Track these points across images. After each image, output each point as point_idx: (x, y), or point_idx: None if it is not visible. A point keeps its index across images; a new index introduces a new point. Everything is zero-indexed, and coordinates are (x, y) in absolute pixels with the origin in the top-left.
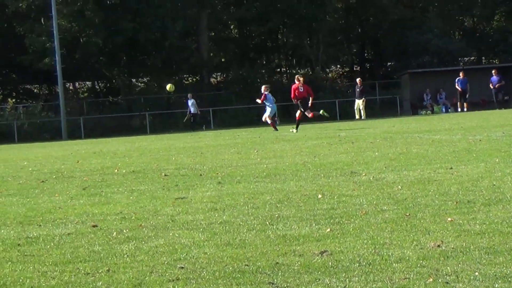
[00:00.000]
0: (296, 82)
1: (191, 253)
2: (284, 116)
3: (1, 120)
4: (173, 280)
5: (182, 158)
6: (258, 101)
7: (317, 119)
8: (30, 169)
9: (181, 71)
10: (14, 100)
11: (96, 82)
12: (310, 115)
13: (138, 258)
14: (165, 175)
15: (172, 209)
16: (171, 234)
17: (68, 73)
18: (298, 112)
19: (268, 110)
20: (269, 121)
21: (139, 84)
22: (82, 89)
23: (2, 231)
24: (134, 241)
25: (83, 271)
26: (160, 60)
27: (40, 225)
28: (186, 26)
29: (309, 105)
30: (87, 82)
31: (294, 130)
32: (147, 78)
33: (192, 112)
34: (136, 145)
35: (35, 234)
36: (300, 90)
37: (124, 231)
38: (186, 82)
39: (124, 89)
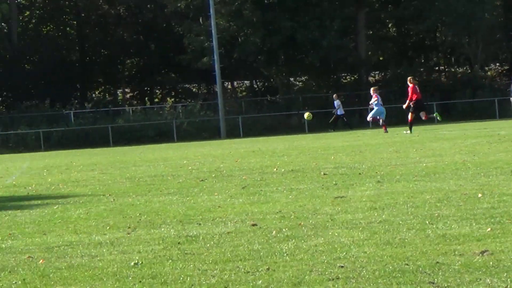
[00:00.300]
0: (410, 84)
1: (350, 252)
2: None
3: (161, 119)
4: (332, 279)
5: (341, 157)
6: (371, 102)
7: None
8: (190, 168)
9: (339, 70)
10: (173, 99)
11: (254, 81)
12: (424, 117)
13: (297, 257)
14: (324, 174)
15: (332, 208)
16: (330, 233)
17: (227, 72)
18: (410, 114)
19: (375, 110)
20: (373, 120)
21: (297, 83)
22: (241, 88)
23: (163, 229)
24: (293, 240)
25: (243, 270)
26: (318, 59)
27: (199, 224)
28: (344, 25)
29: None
30: (245, 81)
31: (408, 132)
32: (305, 77)
33: (339, 113)
34: (294, 143)
35: (195, 233)
36: (417, 90)
37: (284, 230)
38: (344, 81)
39: (282, 88)
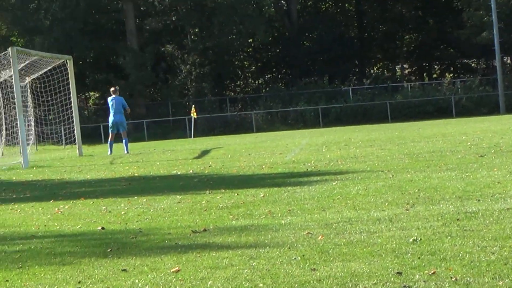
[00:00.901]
0: None
1: None
2: None
3: (439, 95)
4: None
5: None
6: None
7: None
8: (469, 143)
9: None
10: (451, 75)
11: None
12: None
13: None
14: None
15: None
16: None
17: (506, 47)
18: None
19: None
20: None
21: None
22: None
23: (441, 205)
24: None
25: None
26: None
27: (478, 200)
28: None
29: None
30: None
31: None
32: None
33: None
34: None
35: (474, 209)
36: None
37: None
38: None
39: None
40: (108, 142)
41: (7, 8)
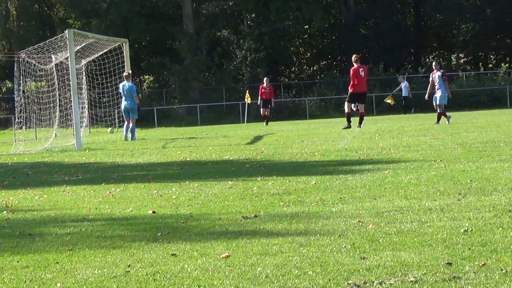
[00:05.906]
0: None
1: None
2: None
3: (494, 85)
4: None
5: None
6: None
7: None
8: None
9: None
10: (507, 65)
11: None
12: None
13: None
14: None
15: None
16: None
17: None
18: None
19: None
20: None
21: None
22: None
23: (493, 196)
24: None
25: None
26: None
27: None
28: None
29: None
30: None
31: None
32: None
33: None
34: None
35: None
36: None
37: None
38: None
39: None
40: (124, 127)
41: None
